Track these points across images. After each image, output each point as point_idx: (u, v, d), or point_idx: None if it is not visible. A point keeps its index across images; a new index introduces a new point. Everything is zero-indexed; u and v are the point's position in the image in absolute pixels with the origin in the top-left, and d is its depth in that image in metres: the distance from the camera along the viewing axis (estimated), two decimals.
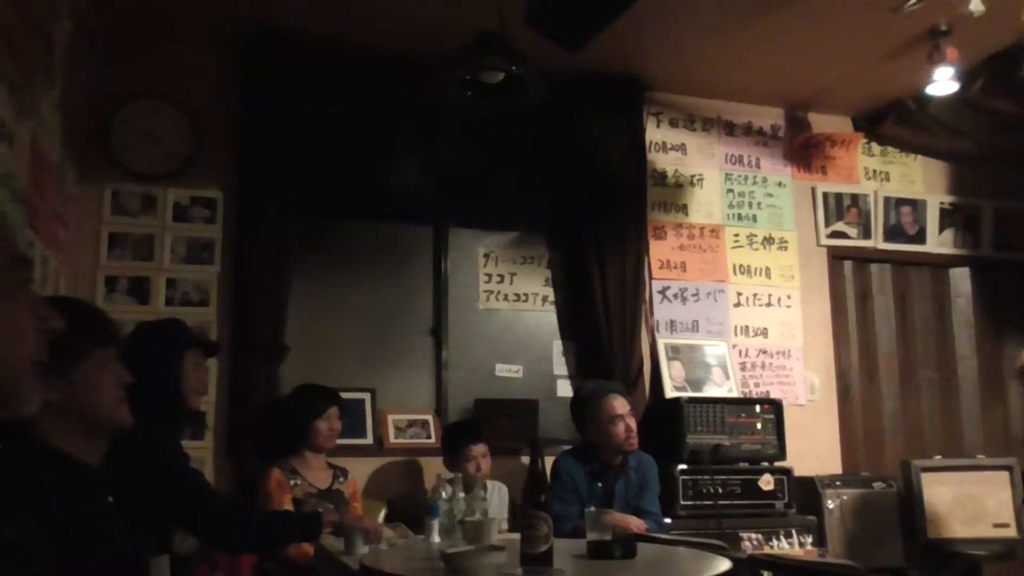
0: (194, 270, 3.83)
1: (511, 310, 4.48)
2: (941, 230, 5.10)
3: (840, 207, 4.95)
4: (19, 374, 0.91)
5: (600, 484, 3.58)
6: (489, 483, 3.61)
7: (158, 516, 2.10)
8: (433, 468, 3.95)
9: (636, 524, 3.42)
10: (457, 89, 3.04)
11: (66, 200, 3.43)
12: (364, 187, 4.24)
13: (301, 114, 3.93)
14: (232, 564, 3.19)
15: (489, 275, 4.47)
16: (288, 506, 3.24)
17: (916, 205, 5.08)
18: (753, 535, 3.66)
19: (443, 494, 2.75)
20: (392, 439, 4.06)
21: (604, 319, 4.30)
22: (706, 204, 4.73)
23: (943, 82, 4.05)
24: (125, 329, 2.18)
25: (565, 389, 4.42)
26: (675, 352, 4.51)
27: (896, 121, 4.76)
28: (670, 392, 4.36)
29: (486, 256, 4.49)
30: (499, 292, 4.47)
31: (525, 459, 4.16)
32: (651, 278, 4.55)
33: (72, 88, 3.32)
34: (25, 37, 2.50)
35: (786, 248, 4.82)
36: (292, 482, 3.33)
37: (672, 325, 4.56)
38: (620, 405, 3.63)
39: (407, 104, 4.08)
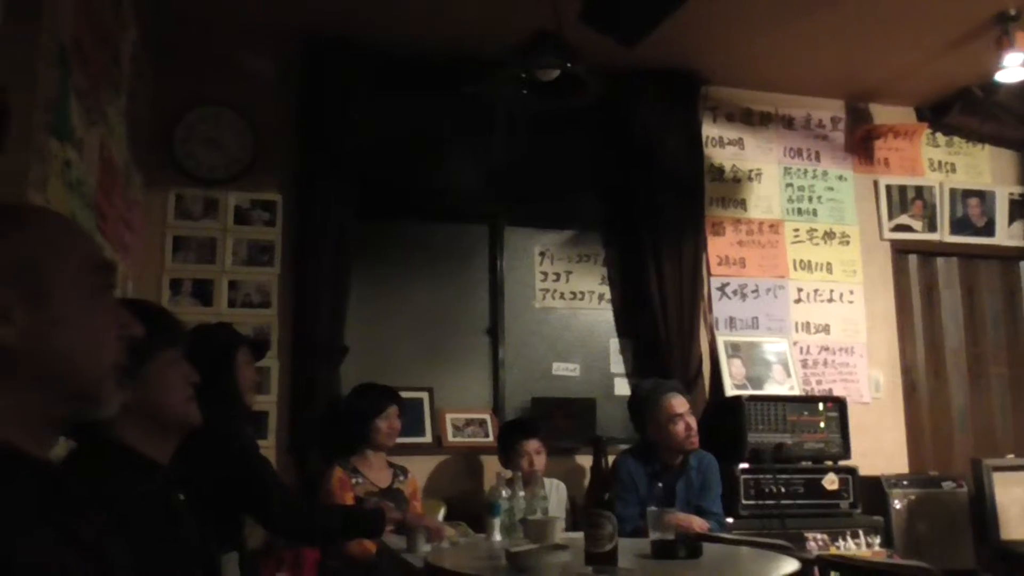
0: (255, 272, 3.90)
1: (567, 308, 4.47)
2: (1011, 221, 4.94)
3: (904, 200, 4.83)
4: (101, 378, 0.93)
5: (661, 484, 3.54)
6: (547, 481, 3.61)
7: (228, 512, 2.14)
8: (492, 467, 3.97)
9: (698, 524, 3.37)
10: (513, 88, 3.04)
11: (132, 205, 3.52)
12: (420, 187, 4.27)
13: (358, 116, 3.97)
14: (296, 561, 3.24)
15: (545, 273, 4.46)
16: (350, 504, 3.28)
17: (984, 196, 4.93)
18: (818, 535, 3.58)
19: (503, 493, 2.74)
20: (450, 438, 4.08)
21: (661, 316, 4.26)
22: (765, 199, 4.65)
23: (1012, 68, 3.92)
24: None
25: (623, 387, 4.39)
26: (735, 349, 4.44)
27: (962, 110, 4.62)
28: (730, 390, 4.30)
29: (542, 254, 4.48)
30: (555, 290, 4.46)
31: (582, 458, 4.16)
32: (709, 275, 4.49)
33: (137, 95, 3.40)
34: (95, 48, 2.57)
35: (848, 243, 4.71)
36: (354, 480, 3.36)
37: (732, 322, 4.49)
38: (679, 404, 3.59)
39: (463, 103, 4.09)
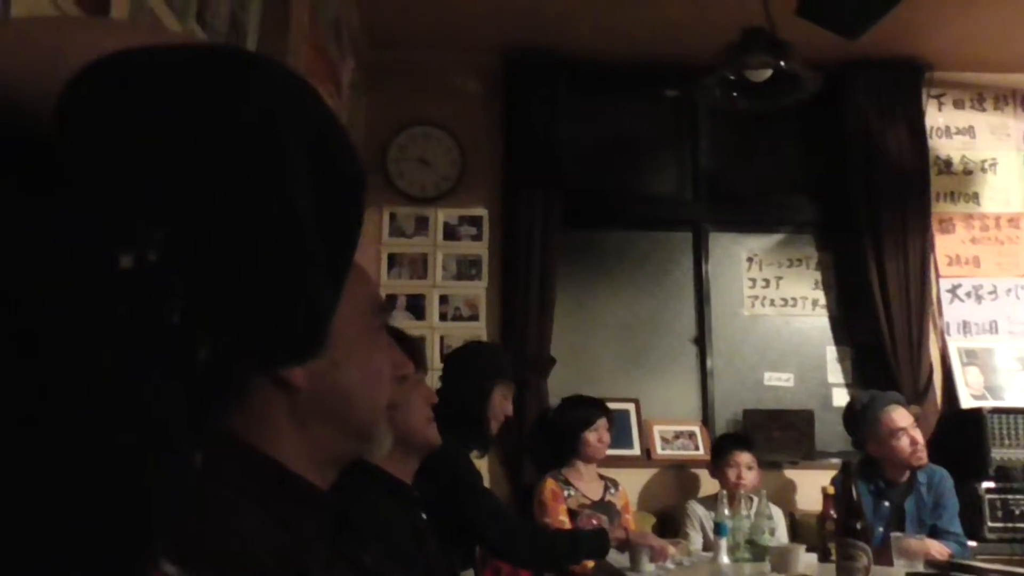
0: (464, 286, 4.00)
1: (778, 315, 4.26)
2: None
3: None
4: (378, 419, 0.95)
5: (887, 503, 3.29)
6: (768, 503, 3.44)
7: (461, 532, 2.18)
8: (702, 481, 3.85)
9: (936, 549, 3.09)
10: (723, 90, 2.93)
11: None
12: (622, 194, 4.23)
13: (559, 125, 3.99)
14: (514, 572, 3.27)
15: (753, 280, 4.28)
16: (563, 516, 3.28)
17: None
18: None
19: (725, 511, 2.64)
20: (659, 450, 3.99)
21: (885, 322, 3.97)
22: (1002, 191, 4.22)
23: None
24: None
25: (841, 398, 4.12)
26: (970, 357, 4.06)
27: None
28: (967, 401, 3.93)
29: (749, 260, 4.30)
30: (765, 297, 4.26)
31: (793, 473, 3.95)
32: (938, 276, 4.13)
33: (354, 121, 3.59)
34: (322, 82, 2.72)
35: None
36: (566, 492, 3.36)
37: (965, 327, 4.11)
38: (901, 417, 3.30)
39: (665, 106, 4.02)
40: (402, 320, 3.94)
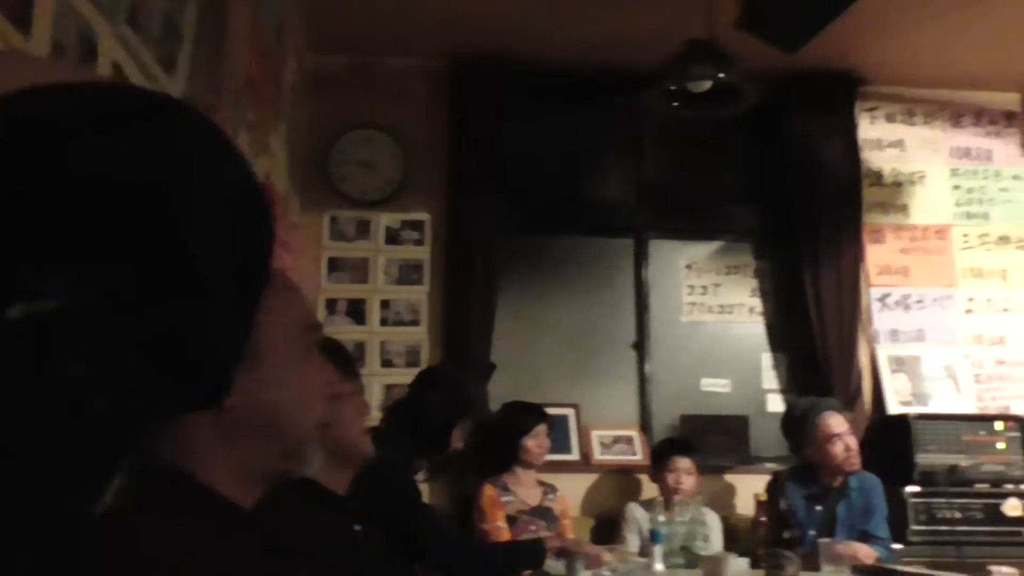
0: (406, 291, 3.98)
1: (716, 322, 4.33)
2: None
3: None
4: (307, 438, 0.94)
5: (820, 508, 3.37)
6: (704, 509, 3.49)
7: (402, 546, 2.17)
8: (641, 486, 3.90)
9: (864, 553, 3.17)
10: (666, 100, 2.97)
11: (291, 228, 3.66)
12: (566, 201, 4.26)
13: (506, 132, 4.00)
14: None
15: (692, 286, 4.34)
16: (502, 522, 3.29)
17: None
18: (1005, 570, 3.30)
19: (660, 518, 2.68)
20: (597, 455, 4.03)
21: (818, 329, 4.07)
22: (930, 203, 4.36)
23: None
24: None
25: (776, 404, 4.21)
26: (898, 364, 4.18)
27: None
28: (894, 408, 4.05)
29: (688, 267, 4.36)
30: (703, 304, 4.33)
31: (732, 478, 4.02)
32: (869, 285, 4.25)
33: (295, 123, 3.54)
34: (263, 82, 2.68)
35: None
36: (504, 498, 3.37)
37: (894, 335, 4.23)
38: (837, 423, 3.39)
39: (610, 115, 4.05)
40: (342, 325, 3.90)
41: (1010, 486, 3.71)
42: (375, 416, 3.32)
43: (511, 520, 3.31)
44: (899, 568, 2.82)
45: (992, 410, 4.12)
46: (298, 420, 0.92)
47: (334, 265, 3.97)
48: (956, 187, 4.38)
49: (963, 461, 3.70)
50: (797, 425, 3.50)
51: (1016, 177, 4.41)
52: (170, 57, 1.77)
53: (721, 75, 2.91)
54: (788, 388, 4.23)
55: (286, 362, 0.92)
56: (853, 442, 3.39)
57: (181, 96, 1.82)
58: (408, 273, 3.99)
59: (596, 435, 4.08)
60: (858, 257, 4.20)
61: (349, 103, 4.04)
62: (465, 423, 2.45)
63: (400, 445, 1.78)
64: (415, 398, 2.34)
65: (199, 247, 0.42)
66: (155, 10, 1.68)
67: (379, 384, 3.87)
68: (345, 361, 1.65)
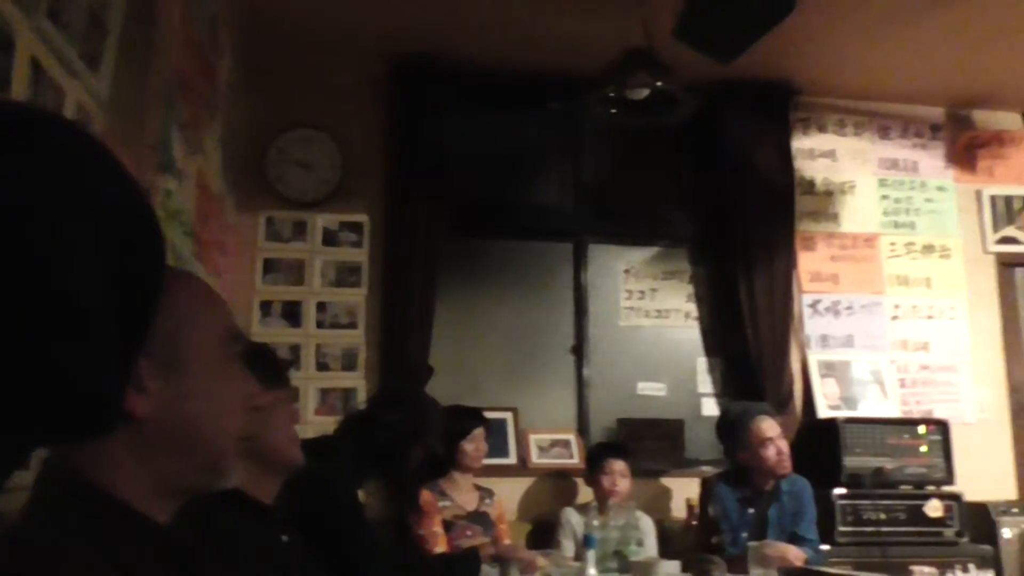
0: (343, 293, 3.93)
1: (653, 326, 4.38)
2: None
3: (1010, 211, 4.59)
4: (227, 451, 0.92)
5: (752, 510, 3.43)
6: (638, 513, 3.52)
7: (330, 554, 2.14)
8: (581, 490, 3.92)
9: (793, 555, 3.24)
10: (603, 107, 2.99)
11: (226, 228, 3.58)
12: (506, 205, 4.26)
13: (445, 133, 3.98)
14: None
15: (630, 291, 4.39)
16: (438, 527, 3.27)
17: None
18: (925, 568, 3.41)
19: (594, 523, 2.69)
20: (535, 459, 4.03)
21: (752, 335, 4.14)
22: (860, 212, 4.48)
23: None
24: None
25: (711, 408, 4.28)
26: (828, 369, 4.29)
27: None
28: (824, 411, 4.15)
29: (627, 272, 4.40)
30: (641, 308, 4.38)
31: (668, 481, 4.07)
32: (801, 291, 4.34)
33: (231, 121, 3.47)
34: (196, 79, 2.62)
35: (949, 256, 4.51)
36: (441, 503, 3.35)
37: (824, 340, 4.34)
38: (769, 427, 3.46)
39: (551, 120, 4.07)
40: (278, 327, 3.84)
41: (932, 488, 3.83)
42: (329, 422, 3.28)
43: (448, 525, 3.30)
44: (825, 569, 2.88)
45: (916, 414, 4.25)
46: (216, 433, 0.90)
47: (269, 266, 3.90)
48: (884, 197, 4.51)
49: (888, 464, 3.80)
50: (731, 429, 3.55)
51: (940, 188, 4.56)
52: (95, 53, 1.72)
53: (658, 83, 2.95)
54: (723, 392, 4.30)
55: (205, 374, 0.90)
56: (785, 446, 3.46)
57: (107, 94, 1.76)
58: (345, 275, 3.95)
59: (534, 439, 4.09)
60: (791, 264, 4.29)
61: (287, 102, 3.98)
62: (419, 450, 2.42)
63: (349, 458, 1.75)
64: (373, 415, 2.30)
65: (66, 272, 0.40)
66: (78, 3, 1.63)
67: (314, 388, 3.82)
68: (274, 368, 1.62)
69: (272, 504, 1.63)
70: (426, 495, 3.33)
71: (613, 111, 3.08)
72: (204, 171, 2.98)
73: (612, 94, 3.06)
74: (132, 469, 0.87)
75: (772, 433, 3.44)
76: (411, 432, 2.37)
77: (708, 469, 3.84)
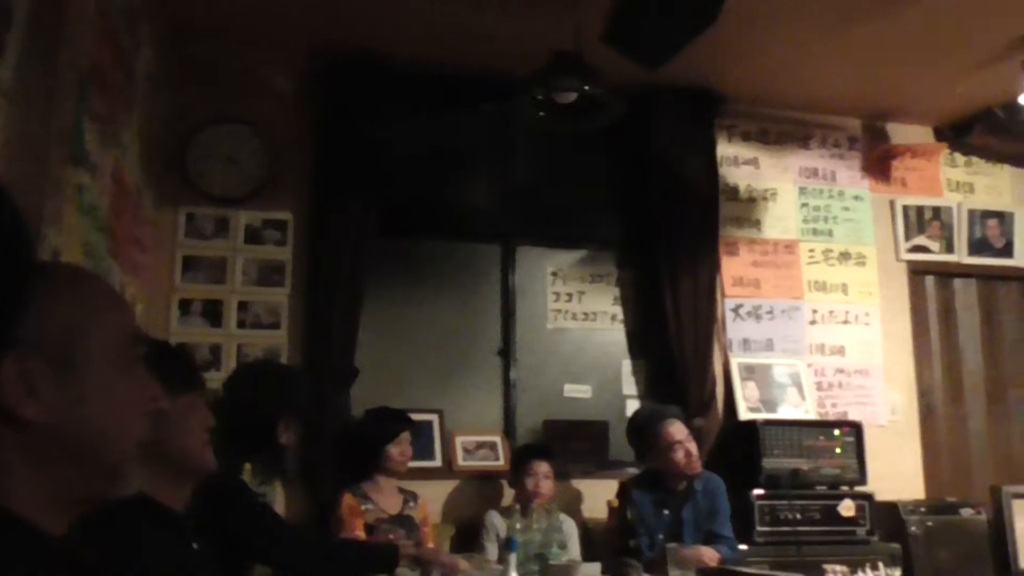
0: (265, 292, 3.85)
1: (580, 329, 4.41)
2: None
3: (921, 220, 4.77)
4: (126, 457, 0.88)
5: (667, 511, 3.47)
6: (561, 516, 3.54)
7: (234, 554, 2.09)
8: (506, 492, 3.91)
9: (709, 556, 3.27)
10: (531, 110, 3.00)
11: (143, 224, 3.48)
12: (435, 206, 4.23)
13: (373, 134, 3.93)
14: None
15: (558, 294, 4.41)
16: (360, 532, 3.23)
17: (1003, 217, 4.87)
18: (839, 568, 3.51)
19: (517, 525, 2.69)
20: (461, 461, 4.02)
21: (676, 338, 4.21)
22: (780, 219, 4.59)
23: None
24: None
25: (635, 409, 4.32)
26: (749, 372, 4.38)
27: (984, 130, 4.57)
28: (744, 414, 4.24)
29: (554, 274, 4.42)
30: (568, 311, 4.40)
31: (593, 482, 4.09)
32: (724, 296, 4.43)
33: (151, 114, 3.37)
34: (111, 70, 2.53)
35: (864, 263, 4.66)
36: (364, 507, 3.31)
37: (746, 344, 4.43)
38: (677, 431, 3.50)
39: (480, 122, 4.06)
40: (197, 327, 3.74)
41: (845, 488, 3.95)
42: None
43: (370, 529, 3.26)
44: (742, 569, 2.94)
45: (832, 416, 4.38)
46: (114, 438, 0.87)
47: (189, 264, 3.79)
48: (804, 204, 4.64)
49: (804, 465, 3.91)
50: (640, 434, 3.60)
51: (857, 198, 4.71)
52: None
53: (586, 87, 2.97)
54: (647, 394, 4.36)
55: (104, 378, 0.87)
56: (694, 447, 3.51)
57: (11, 84, 1.69)
58: (268, 274, 3.86)
59: (460, 441, 4.07)
60: (714, 269, 4.37)
61: (212, 96, 3.88)
62: (290, 418, 2.35)
63: (224, 451, 1.70)
64: (229, 399, 2.23)
65: None
66: None
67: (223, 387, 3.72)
68: (186, 369, 1.57)
69: (183, 511, 1.58)
70: (348, 499, 3.29)
71: (541, 114, 3.08)
72: (120, 165, 2.88)
73: (540, 97, 3.06)
74: (24, 477, 0.83)
75: (680, 436, 3.48)
76: (271, 406, 2.31)
77: (632, 471, 3.88)
